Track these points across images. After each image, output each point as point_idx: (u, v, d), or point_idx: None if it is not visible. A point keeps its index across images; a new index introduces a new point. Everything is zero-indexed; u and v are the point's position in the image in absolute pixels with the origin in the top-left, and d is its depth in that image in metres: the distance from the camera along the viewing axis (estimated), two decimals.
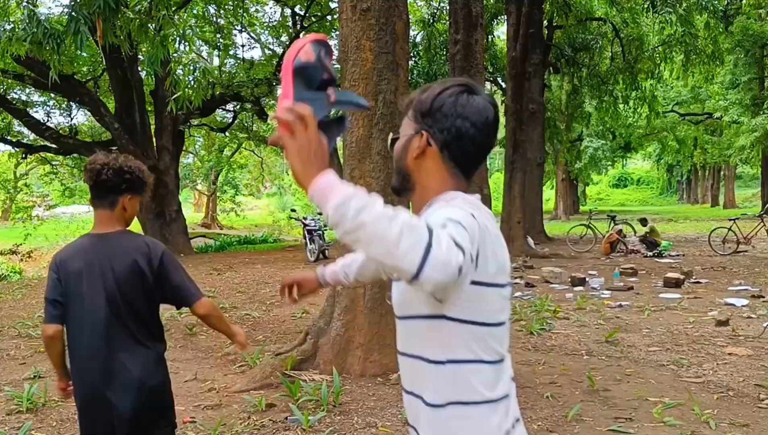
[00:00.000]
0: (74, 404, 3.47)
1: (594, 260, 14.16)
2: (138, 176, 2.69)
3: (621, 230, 15.95)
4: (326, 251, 15.48)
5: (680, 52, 19.63)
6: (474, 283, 1.40)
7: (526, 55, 16.64)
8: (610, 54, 21.01)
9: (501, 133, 32.24)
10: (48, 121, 20.81)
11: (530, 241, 15.83)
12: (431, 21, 18.49)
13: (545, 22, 18.60)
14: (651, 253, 14.69)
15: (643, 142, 38.69)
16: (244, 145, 32.21)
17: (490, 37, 19.93)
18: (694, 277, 10.93)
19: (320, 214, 20.20)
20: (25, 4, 11.08)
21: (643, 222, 15.59)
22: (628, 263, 12.70)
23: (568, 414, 4.57)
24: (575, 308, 8.62)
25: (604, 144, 34.66)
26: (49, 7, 41.30)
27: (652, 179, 66.05)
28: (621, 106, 23.47)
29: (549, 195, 37.96)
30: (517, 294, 9.79)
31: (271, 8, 22.20)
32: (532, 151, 17.54)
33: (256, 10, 21.14)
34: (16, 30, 8.41)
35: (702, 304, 8.80)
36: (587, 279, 10.80)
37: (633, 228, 16.77)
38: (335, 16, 19.83)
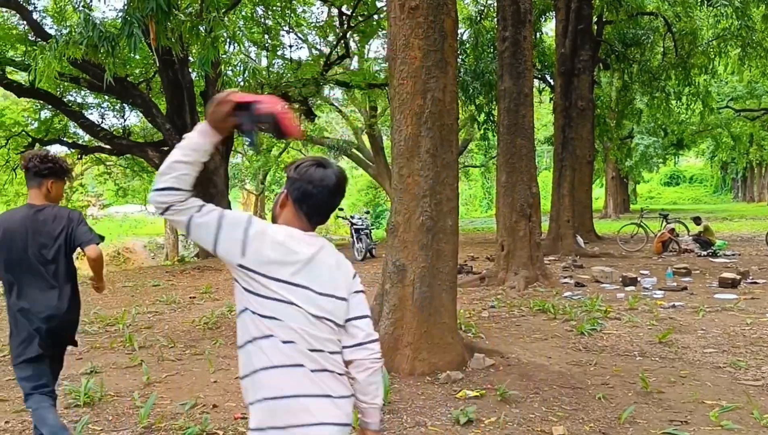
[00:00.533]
0: (128, 399, 3.82)
1: (645, 260, 13.86)
2: (60, 166, 3.71)
3: (673, 229, 15.58)
4: (373, 250, 15.51)
5: (736, 46, 19.05)
6: (241, 266, 2.04)
7: (575, 52, 16.39)
8: (662, 49, 20.52)
9: (549, 130, 31.77)
10: (102, 122, 21.32)
11: (580, 239, 15.59)
12: (478, 18, 18.35)
13: (595, 18, 18.26)
14: (705, 253, 14.31)
15: (696, 138, 37.70)
16: (291, 145, 32.46)
17: (538, 33, 19.66)
18: (750, 278, 10.61)
19: (367, 212, 20.32)
20: (81, 8, 11.37)
21: (697, 220, 15.21)
22: (681, 263, 12.39)
23: (621, 416, 4.49)
24: (627, 308, 8.46)
25: (655, 141, 33.88)
26: (103, 11, 42.34)
27: (706, 177, 64.29)
28: (673, 102, 22.90)
29: (598, 193, 37.36)
30: (567, 294, 9.65)
31: (318, 8, 22.34)
32: (582, 149, 17.27)
33: (303, 11, 21.28)
34: (73, 34, 8.63)
35: (760, 305, 8.53)
36: (639, 279, 10.59)
37: (686, 227, 16.36)
38: (381, 16, 19.85)
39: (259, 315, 2.03)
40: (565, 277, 11.23)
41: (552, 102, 18.69)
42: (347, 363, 2.16)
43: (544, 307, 8.43)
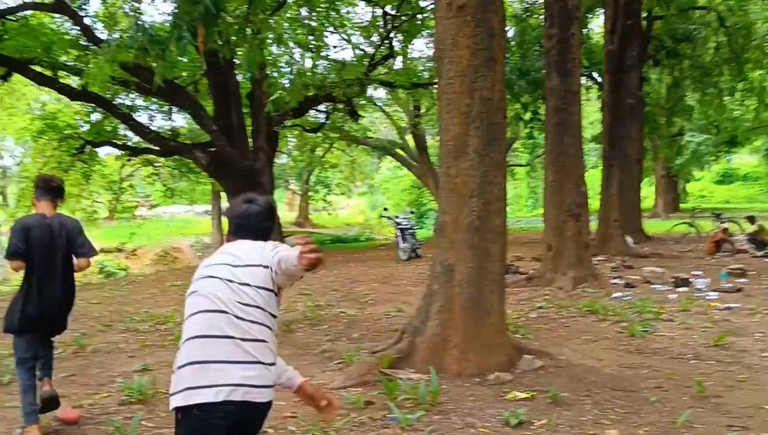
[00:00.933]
0: None
1: (698, 260, 13.51)
2: (63, 187, 5.00)
3: (727, 229, 15.15)
4: (418, 250, 15.47)
5: None
6: None
7: (623, 48, 16.07)
8: (715, 44, 19.99)
9: (596, 129, 31.29)
10: (151, 124, 21.69)
11: (629, 240, 15.29)
12: (524, 16, 18.16)
13: (644, 14, 17.89)
14: (761, 253, 13.87)
15: (750, 136, 36.57)
16: (335, 145, 32.62)
17: (585, 30, 19.35)
18: None
19: (412, 212, 20.31)
20: (131, 13, 11.60)
21: (751, 220, 14.77)
22: (735, 263, 12.04)
23: (677, 420, 4.38)
24: (679, 310, 8.26)
25: (707, 138, 33.01)
26: (151, 15, 43.19)
27: (761, 175, 62.28)
28: (726, 98, 22.29)
29: (647, 192, 36.57)
30: (617, 295, 9.47)
31: (362, 9, 22.39)
32: (630, 147, 16.91)
33: (347, 11, 21.34)
34: (124, 38, 8.79)
35: None
36: (691, 280, 10.31)
37: (740, 226, 15.90)
38: (426, 15, 19.79)
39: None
40: (615, 278, 11.03)
41: (600, 100, 18.39)
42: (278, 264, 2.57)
43: (594, 308, 8.29)
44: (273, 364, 2.66)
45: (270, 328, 2.65)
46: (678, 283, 10.18)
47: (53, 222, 4.63)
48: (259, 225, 2.85)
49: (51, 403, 4.58)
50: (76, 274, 4.81)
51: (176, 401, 2.53)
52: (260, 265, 2.61)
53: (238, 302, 2.56)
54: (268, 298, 2.63)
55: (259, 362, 2.55)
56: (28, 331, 4.52)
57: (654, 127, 22.65)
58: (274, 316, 2.69)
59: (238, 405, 2.47)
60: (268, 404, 2.62)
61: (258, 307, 2.59)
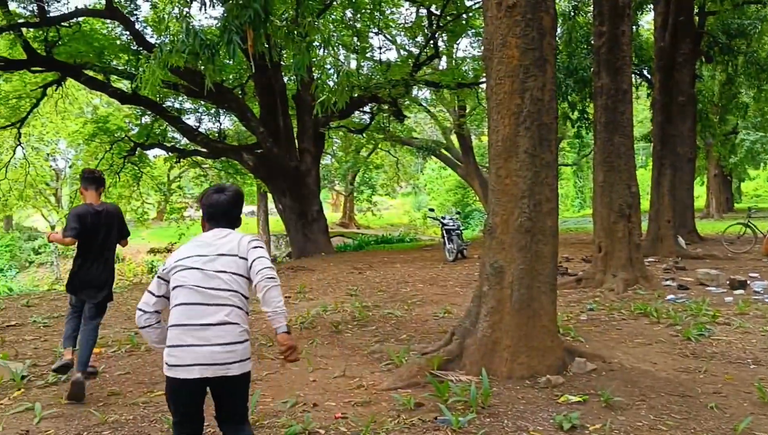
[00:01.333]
0: None
1: (754, 262, 13.12)
2: (104, 179, 6.25)
3: None
4: (464, 251, 15.38)
5: None
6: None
7: (675, 45, 15.73)
8: None
9: (645, 127, 30.63)
10: (199, 126, 22.07)
11: (681, 241, 14.94)
12: (572, 14, 17.90)
13: (696, 9, 17.47)
14: None
15: None
16: (380, 146, 32.71)
17: (634, 27, 18.99)
18: None
19: (458, 213, 20.21)
20: (182, 18, 11.79)
21: None
22: None
23: (737, 427, 4.25)
24: (737, 313, 8.01)
25: (762, 136, 32.03)
26: (199, 20, 43.89)
27: None
28: None
29: (700, 192, 35.72)
30: (669, 297, 9.26)
31: (406, 9, 22.37)
32: (682, 146, 16.53)
33: (392, 12, 21.36)
34: (175, 42, 8.95)
35: None
36: (748, 282, 10.03)
37: None
38: (471, 14, 19.69)
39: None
40: (667, 280, 10.79)
41: (649, 98, 18.02)
42: (256, 288, 3.19)
43: (646, 311, 8.11)
44: (246, 340, 3.21)
45: (244, 309, 3.24)
46: (734, 285, 9.90)
47: (100, 209, 5.84)
48: (229, 212, 3.42)
49: (66, 368, 5.73)
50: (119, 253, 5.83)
51: (169, 373, 3.16)
52: (237, 256, 3.24)
53: (215, 289, 3.16)
54: (243, 283, 3.24)
55: (231, 343, 3.13)
56: (76, 293, 5.88)
57: (707, 125, 22.12)
58: (247, 298, 3.27)
59: (213, 380, 3.12)
60: (242, 376, 3.19)
61: (232, 291, 3.19)
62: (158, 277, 3.32)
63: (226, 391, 3.21)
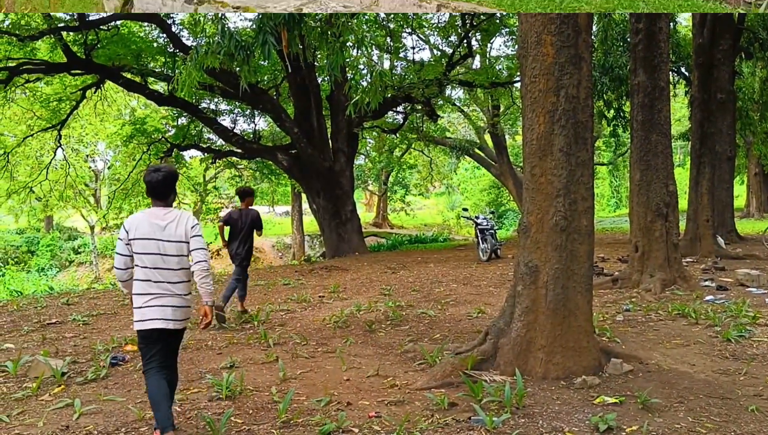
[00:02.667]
0: (267, 394, 4.57)
1: None
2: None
3: None
4: (498, 250, 15.31)
5: None
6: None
7: (713, 41, 15.44)
8: None
9: (682, 125, 30.10)
10: (234, 127, 22.30)
11: (720, 240, 14.66)
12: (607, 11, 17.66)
13: None
14: None
15: None
16: (413, 146, 32.68)
17: (672, 23, 18.66)
18: None
19: (492, 212, 20.07)
20: (218, 19, 11.91)
21: None
22: None
23: None
24: None
25: None
26: (234, 22, 44.32)
27: None
28: None
29: (739, 191, 35.00)
30: (708, 298, 9.09)
31: None
32: (722, 144, 16.21)
33: (425, 12, 21.30)
34: (211, 44, 9.05)
35: None
36: None
37: None
38: (504, 14, 19.55)
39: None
40: (706, 280, 10.59)
41: (688, 95, 17.72)
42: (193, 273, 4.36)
43: (684, 312, 7.98)
44: (188, 306, 4.38)
45: (188, 281, 4.38)
46: None
47: (245, 211, 9.11)
48: (162, 190, 4.31)
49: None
50: None
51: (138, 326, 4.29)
52: (183, 241, 4.29)
53: (170, 268, 4.26)
54: (186, 261, 4.33)
55: (179, 307, 4.30)
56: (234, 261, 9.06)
57: (747, 123, 21.67)
58: (188, 269, 4.36)
59: (166, 331, 4.28)
60: (181, 330, 4.42)
61: (182, 269, 4.32)
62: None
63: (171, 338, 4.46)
